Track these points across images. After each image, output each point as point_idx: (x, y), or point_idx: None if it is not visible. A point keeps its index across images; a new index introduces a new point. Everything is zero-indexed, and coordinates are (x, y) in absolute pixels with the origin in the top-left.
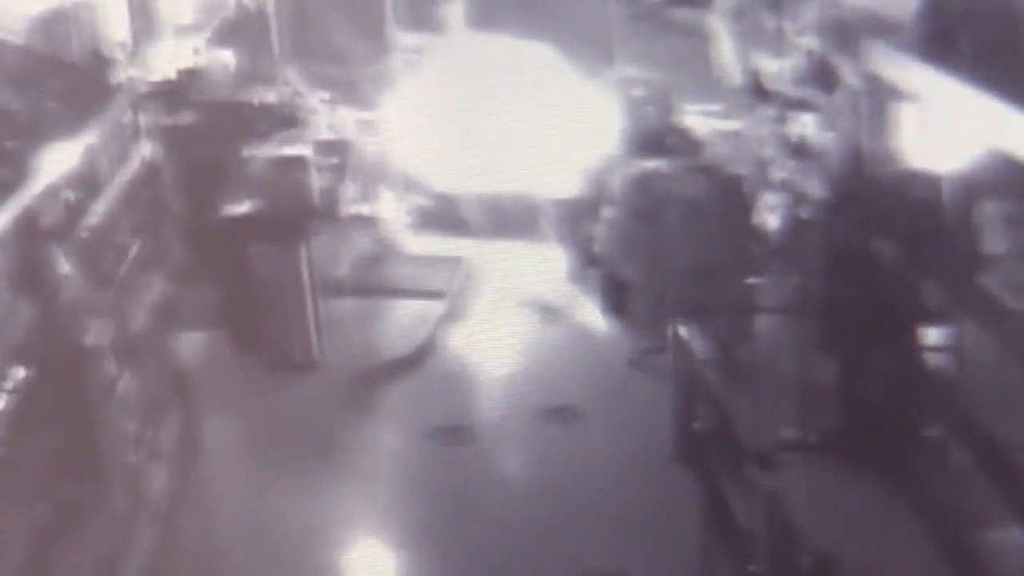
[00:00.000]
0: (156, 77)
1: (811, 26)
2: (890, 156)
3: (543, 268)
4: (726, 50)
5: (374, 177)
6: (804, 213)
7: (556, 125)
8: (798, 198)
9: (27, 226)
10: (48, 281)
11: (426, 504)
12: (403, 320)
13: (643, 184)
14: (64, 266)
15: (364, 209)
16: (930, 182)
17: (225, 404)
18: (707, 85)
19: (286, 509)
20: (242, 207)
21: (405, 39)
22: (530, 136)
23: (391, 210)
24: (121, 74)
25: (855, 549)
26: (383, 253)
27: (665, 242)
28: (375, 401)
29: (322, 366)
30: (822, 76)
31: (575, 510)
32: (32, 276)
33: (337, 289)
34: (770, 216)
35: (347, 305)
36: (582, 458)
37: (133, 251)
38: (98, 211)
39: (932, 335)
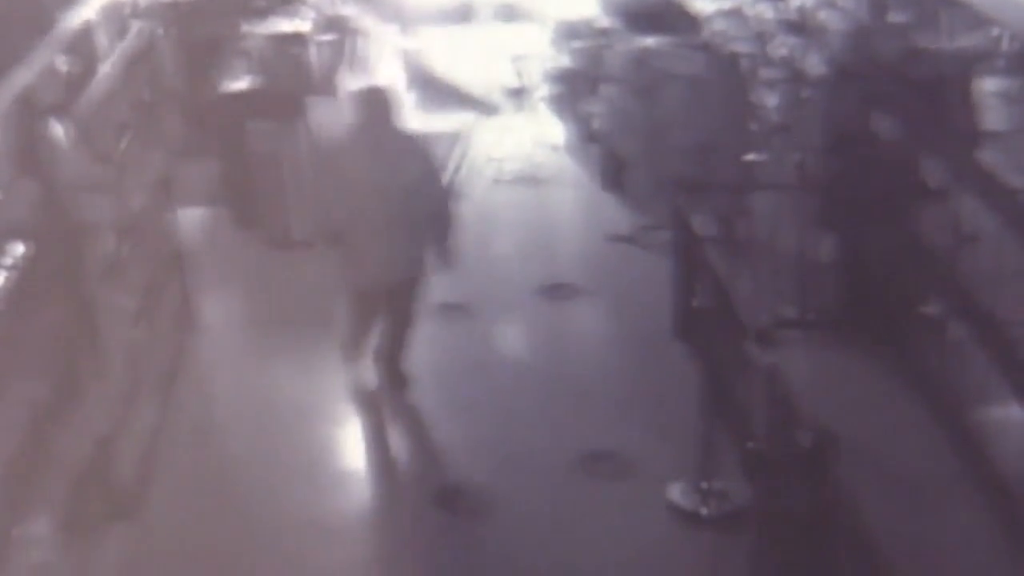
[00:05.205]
0: None
1: None
2: (889, 32)
3: (542, 144)
4: None
5: (373, 53)
6: (803, 90)
7: None
8: (797, 75)
9: (26, 102)
10: (47, 157)
11: (424, 381)
12: None
13: (641, 61)
14: (63, 142)
15: (363, 85)
16: (930, 58)
17: (224, 280)
18: None
19: (285, 385)
20: (241, 83)
21: None
22: None
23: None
24: None
25: (854, 426)
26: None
27: (664, 119)
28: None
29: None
30: None
31: (574, 389)
32: (31, 152)
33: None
34: (769, 93)
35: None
36: (581, 336)
37: (132, 127)
38: (97, 87)
39: (931, 212)
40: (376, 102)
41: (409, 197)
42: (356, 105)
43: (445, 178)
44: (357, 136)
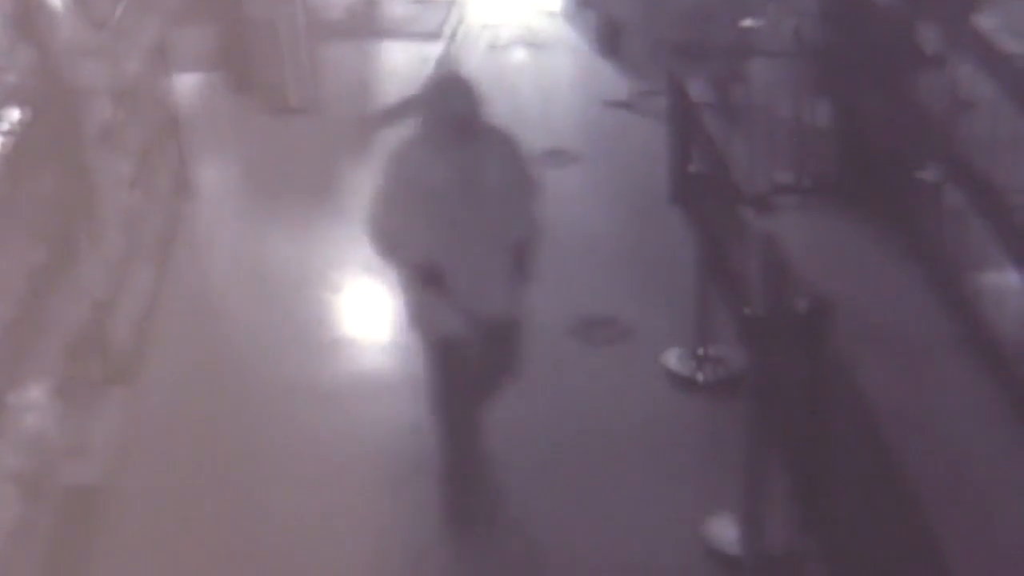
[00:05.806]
0: None
1: None
2: None
3: (538, 8)
4: None
5: None
6: None
7: None
8: None
9: None
10: (43, 22)
11: None
12: (399, 62)
13: None
14: (60, 7)
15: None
16: None
17: (220, 146)
18: None
19: (281, 251)
20: None
21: None
22: None
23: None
24: None
25: (850, 292)
26: None
27: None
28: (370, 145)
29: (317, 109)
30: None
31: (570, 255)
32: (27, 17)
33: (332, 31)
34: None
35: (342, 48)
36: (578, 202)
37: None
38: None
39: (928, 77)
40: (455, 95)
41: (494, 214)
42: (431, 98)
43: (537, 188)
44: (431, 140)
